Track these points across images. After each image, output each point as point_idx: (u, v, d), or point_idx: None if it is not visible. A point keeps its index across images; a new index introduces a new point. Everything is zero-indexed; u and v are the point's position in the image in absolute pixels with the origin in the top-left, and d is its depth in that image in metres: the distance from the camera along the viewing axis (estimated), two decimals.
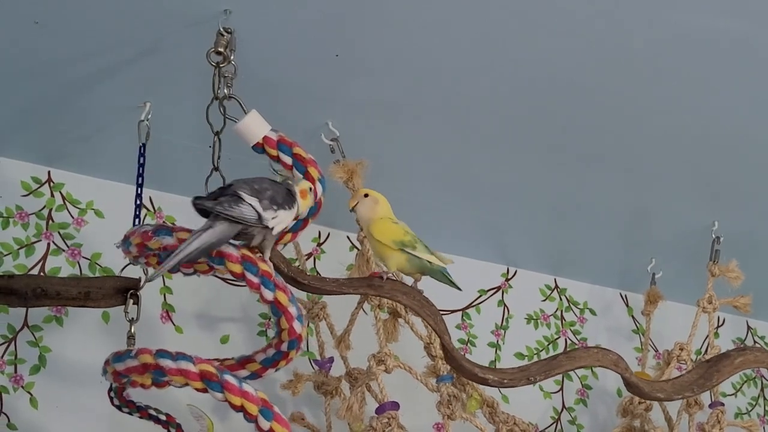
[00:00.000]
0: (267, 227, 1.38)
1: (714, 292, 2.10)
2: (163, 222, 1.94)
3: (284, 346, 1.45)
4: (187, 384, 1.39)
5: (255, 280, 1.39)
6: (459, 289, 1.65)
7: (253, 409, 1.37)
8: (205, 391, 1.38)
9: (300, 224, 1.51)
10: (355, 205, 1.67)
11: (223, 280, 1.91)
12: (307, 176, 1.48)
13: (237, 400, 1.37)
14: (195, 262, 1.45)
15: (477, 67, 1.66)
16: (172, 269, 1.40)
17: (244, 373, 1.52)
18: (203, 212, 1.36)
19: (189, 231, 1.38)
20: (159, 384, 1.47)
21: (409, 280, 1.67)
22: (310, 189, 1.47)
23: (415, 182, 1.96)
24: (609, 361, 1.74)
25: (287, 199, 1.41)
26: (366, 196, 1.66)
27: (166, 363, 1.38)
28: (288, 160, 1.48)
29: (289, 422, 1.42)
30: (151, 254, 1.46)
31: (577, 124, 1.82)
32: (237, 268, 1.38)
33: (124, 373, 1.43)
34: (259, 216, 1.36)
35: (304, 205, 1.46)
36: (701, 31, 1.57)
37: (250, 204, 1.35)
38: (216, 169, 1.47)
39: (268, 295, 1.39)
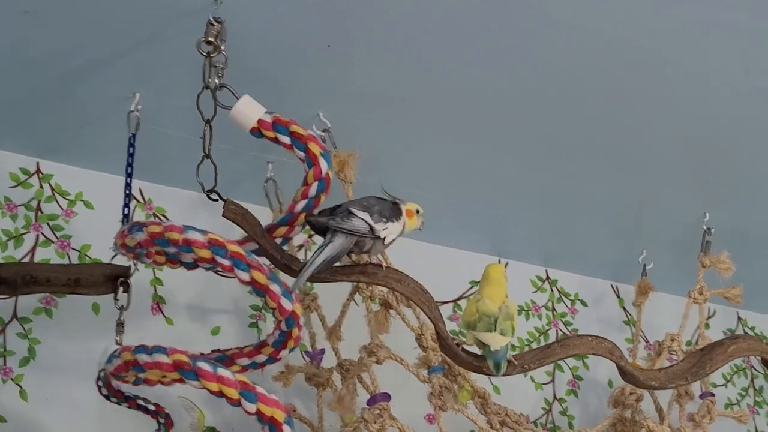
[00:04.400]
0: (379, 237, 1.50)
1: (705, 283, 2.11)
2: (154, 213, 1.94)
3: (283, 326, 1.45)
4: (164, 376, 1.39)
5: (226, 262, 1.38)
6: (498, 371, 1.63)
7: (232, 393, 1.36)
8: (182, 381, 1.37)
9: (313, 203, 1.50)
10: None
11: (214, 271, 1.90)
12: (308, 152, 1.47)
13: (214, 386, 1.36)
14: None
15: (470, 58, 1.65)
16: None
17: (261, 357, 1.53)
18: (318, 229, 1.49)
19: (159, 224, 1.40)
20: (150, 382, 1.47)
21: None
22: (418, 211, 1.57)
23: (408, 173, 1.96)
24: (604, 349, 1.74)
25: (394, 212, 1.53)
26: None
27: (142, 357, 1.38)
28: (286, 140, 1.47)
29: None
30: (154, 251, 1.47)
31: (570, 116, 1.82)
32: (206, 253, 1.38)
33: (115, 373, 1.43)
34: (371, 227, 1.48)
35: (410, 224, 1.56)
36: (698, 23, 1.56)
37: (362, 218, 1.48)
38: (207, 156, 1.46)
39: (244, 276, 1.38)
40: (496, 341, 1.61)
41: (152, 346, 1.39)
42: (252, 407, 1.36)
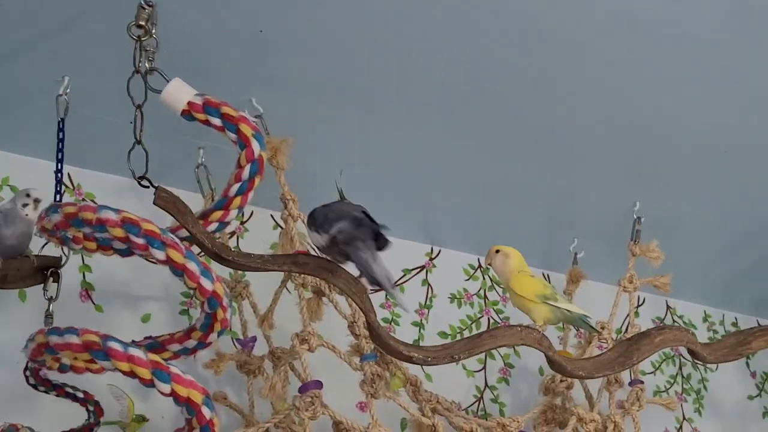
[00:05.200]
0: None
1: (635, 271, 2.13)
2: (83, 199, 1.91)
3: (206, 307, 1.43)
4: (76, 358, 1.37)
5: (140, 241, 1.36)
6: (599, 332, 1.86)
7: (144, 373, 1.34)
8: (94, 362, 1.35)
9: (247, 185, 1.49)
10: (490, 262, 1.85)
11: (145, 257, 1.87)
12: (239, 134, 1.46)
13: (124, 366, 1.34)
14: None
15: (401, 45, 1.65)
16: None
17: (192, 342, 1.51)
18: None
19: (73, 205, 1.38)
20: (77, 369, 1.45)
21: None
22: None
23: (340, 160, 1.95)
24: (532, 339, 1.75)
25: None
26: (497, 252, 1.85)
27: (53, 339, 1.36)
28: (217, 121, 1.46)
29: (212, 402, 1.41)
30: (82, 236, 1.45)
31: (502, 105, 1.83)
32: (119, 232, 1.36)
33: (32, 358, 1.41)
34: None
35: None
36: (626, 12, 1.58)
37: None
38: (138, 142, 1.44)
39: (159, 254, 1.36)
40: (576, 307, 1.81)
41: (65, 327, 1.37)
42: (166, 388, 1.34)
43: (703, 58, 1.75)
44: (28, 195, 1.57)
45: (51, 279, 1.58)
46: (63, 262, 1.58)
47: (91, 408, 1.61)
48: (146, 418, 1.76)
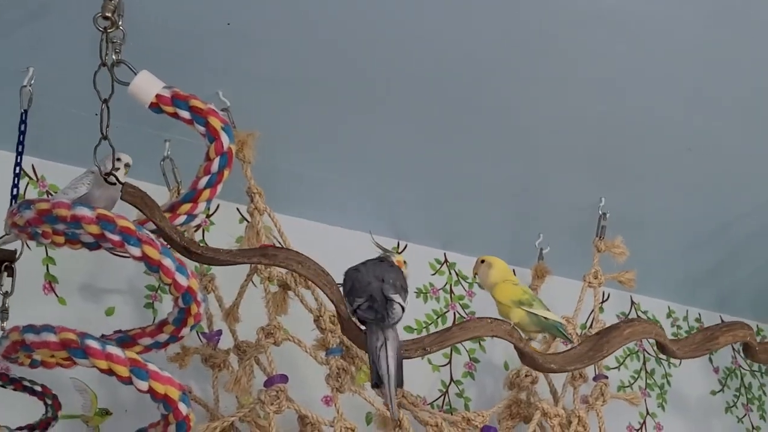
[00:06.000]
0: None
1: (600, 267, 2.14)
2: (47, 191, 1.89)
3: (180, 302, 1.43)
4: (53, 356, 1.36)
5: (116, 237, 1.35)
6: (572, 342, 1.86)
7: (122, 370, 1.33)
8: (70, 359, 1.35)
9: (216, 178, 1.48)
10: (476, 272, 1.90)
11: (112, 252, 1.86)
12: (208, 127, 1.45)
13: (103, 364, 1.33)
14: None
15: (369, 40, 1.65)
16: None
17: (163, 336, 1.51)
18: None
19: (47, 201, 1.37)
20: (48, 365, 1.44)
21: None
22: (405, 262, 1.68)
23: (307, 155, 1.95)
24: (502, 331, 1.76)
25: (405, 280, 1.65)
26: (482, 262, 1.90)
27: (30, 337, 1.35)
28: (186, 114, 1.45)
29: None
30: (51, 231, 1.43)
31: (470, 101, 1.83)
32: (95, 228, 1.35)
33: (5, 355, 1.40)
34: (403, 309, 1.60)
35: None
36: (596, 9, 1.59)
37: (399, 303, 1.59)
38: (105, 137, 1.43)
39: (135, 251, 1.36)
40: (554, 315, 1.82)
41: (41, 324, 1.36)
42: (144, 385, 1.34)
43: (670, 57, 1.76)
44: (119, 159, 1.45)
45: (6, 273, 1.56)
46: (17, 256, 1.56)
47: (49, 402, 1.60)
48: (109, 412, 1.75)
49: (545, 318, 1.81)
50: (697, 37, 1.71)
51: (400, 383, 1.60)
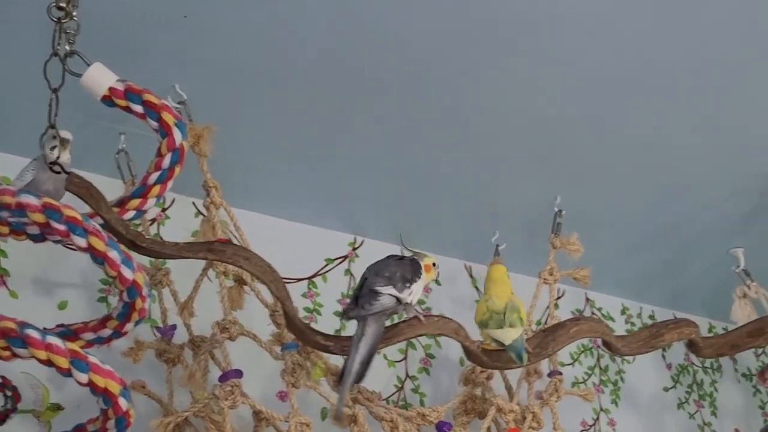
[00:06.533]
0: (408, 303, 1.61)
1: (555, 264, 2.15)
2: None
3: (125, 296, 1.41)
4: None
5: (61, 227, 1.34)
6: (522, 365, 1.82)
7: (61, 361, 1.31)
8: (9, 350, 1.32)
9: (166, 174, 1.47)
10: None
11: (63, 244, 1.84)
12: (161, 122, 1.44)
13: (42, 354, 1.31)
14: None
15: (323, 32, 1.65)
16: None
17: (107, 331, 1.49)
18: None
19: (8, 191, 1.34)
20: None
21: None
22: (434, 264, 1.68)
23: (263, 149, 1.94)
24: (450, 329, 1.76)
25: (414, 271, 1.63)
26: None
27: None
28: (139, 108, 1.44)
29: (130, 390, 1.39)
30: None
31: (425, 95, 1.83)
32: (40, 217, 1.33)
33: None
34: (398, 299, 1.59)
35: (427, 277, 1.67)
36: (550, 7, 1.59)
37: (388, 293, 1.57)
38: (52, 126, 1.41)
39: (80, 241, 1.34)
40: (507, 336, 1.78)
41: None
42: (83, 377, 1.32)
43: (623, 55, 1.78)
44: (54, 137, 1.43)
45: None
46: None
47: (8, 393, 1.58)
48: (62, 407, 1.73)
49: (503, 343, 1.80)
50: (650, 33, 1.72)
51: (359, 379, 1.59)
